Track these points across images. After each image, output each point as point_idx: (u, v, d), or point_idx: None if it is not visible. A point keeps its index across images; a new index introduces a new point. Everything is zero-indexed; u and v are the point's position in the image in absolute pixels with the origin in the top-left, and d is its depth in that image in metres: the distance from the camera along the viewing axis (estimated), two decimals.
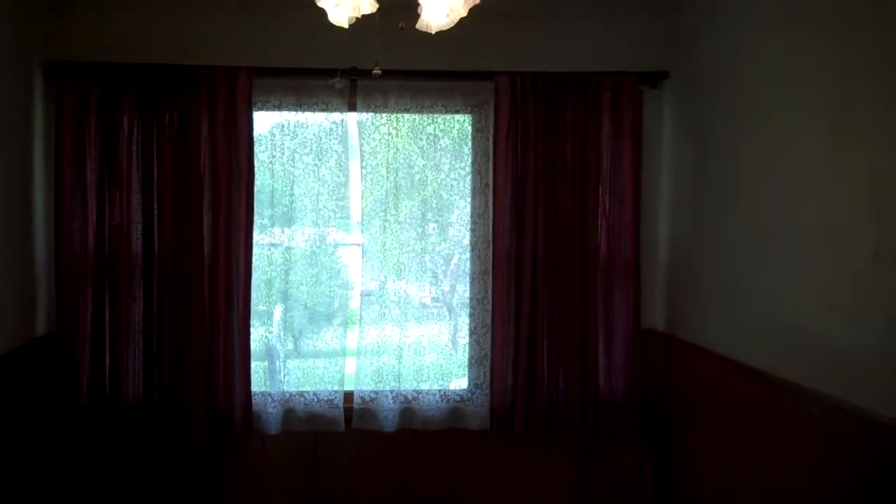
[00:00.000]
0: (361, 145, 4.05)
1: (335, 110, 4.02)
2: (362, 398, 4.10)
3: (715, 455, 3.58)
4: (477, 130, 4.16)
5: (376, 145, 4.06)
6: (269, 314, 4.09)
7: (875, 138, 2.49)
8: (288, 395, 4.08)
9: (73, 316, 3.78)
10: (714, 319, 3.64)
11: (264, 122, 4.03)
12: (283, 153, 4.02)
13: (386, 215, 4.06)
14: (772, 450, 3.04)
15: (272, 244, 4.05)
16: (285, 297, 4.07)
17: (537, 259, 4.03)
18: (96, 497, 3.99)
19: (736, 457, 3.35)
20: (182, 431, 3.88)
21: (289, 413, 4.06)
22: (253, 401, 3.97)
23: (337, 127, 4.04)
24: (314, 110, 4.02)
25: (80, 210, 3.79)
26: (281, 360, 4.10)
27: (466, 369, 4.21)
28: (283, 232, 4.04)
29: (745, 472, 3.26)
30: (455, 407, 4.17)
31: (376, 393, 4.10)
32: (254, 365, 3.97)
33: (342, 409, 4.08)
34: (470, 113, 4.17)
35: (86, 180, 3.79)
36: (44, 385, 3.81)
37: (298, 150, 4.03)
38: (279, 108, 4.01)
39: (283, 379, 4.09)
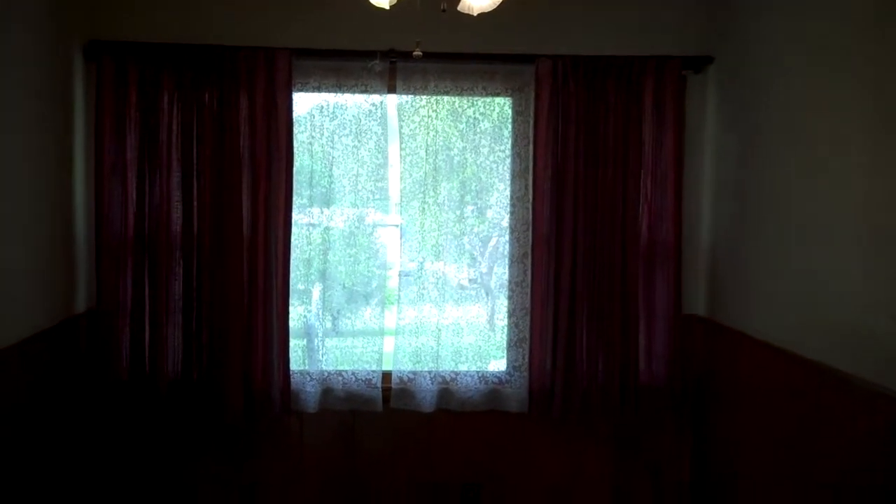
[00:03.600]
0: (401, 127, 4.04)
1: (374, 92, 4.01)
2: (400, 378, 4.12)
3: (755, 442, 3.55)
4: (517, 113, 4.12)
5: (415, 127, 4.05)
6: (308, 293, 4.11)
7: None
8: (326, 373, 4.10)
9: (113, 293, 3.82)
10: (758, 307, 3.59)
11: (304, 103, 4.03)
12: (322, 134, 4.02)
13: (425, 197, 4.05)
14: (814, 438, 3.01)
15: (311, 224, 4.06)
16: (324, 277, 4.08)
17: (577, 242, 4.00)
18: (135, 471, 4.06)
19: (777, 444, 3.32)
20: (220, 408, 3.92)
21: (327, 392, 4.09)
22: (291, 379, 4.00)
23: (376, 109, 4.03)
24: (353, 92, 4.02)
25: (119, 188, 3.82)
26: (319, 338, 4.12)
27: (505, 351, 4.20)
28: (321, 212, 4.05)
29: (786, 460, 3.23)
30: (493, 389, 4.17)
31: (414, 374, 4.11)
32: (292, 343, 4.00)
33: (380, 389, 4.09)
34: (510, 96, 4.14)
35: (125, 159, 3.82)
36: (84, 361, 3.87)
37: (338, 132, 4.03)
38: (318, 89, 4.01)
39: (321, 358, 4.11)
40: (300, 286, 4.08)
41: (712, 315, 4.10)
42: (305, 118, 4.02)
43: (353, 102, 4.04)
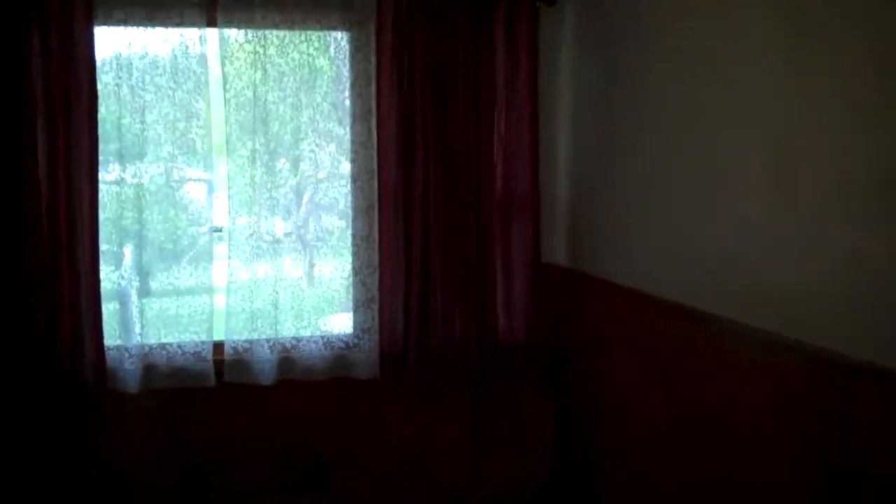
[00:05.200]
0: (223, 66, 3.59)
1: (192, 25, 3.54)
2: (234, 348, 3.69)
3: (630, 399, 3.27)
4: (356, 49, 3.72)
5: (241, 66, 3.62)
6: (119, 255, 3.62)
7: (841, 50, 2.06)
8: (147, 348, 3.63)
9: None
10: (628, 253, 3.31)
11: (109, 39, 3.52)
12: (131, 75, 3.51)
13: (254, 144, 3.62)
14: (702, 394, 2.70)
15: (121, 178, 3.55)
16: (137, 237, 3.60)
17: (428, 191, 3.67)
18: None
19: (656, 401, 3.02)
20: (24, 391, 3.44)
21: (149, 368, 3.62)
22: (107, 355, 3.53)
23: (195, 45, 3.57)
24: (167, 25, 3.53)
25: None
26: (136, 308, 3.64)
27: (351, 313, 3.83)
28: (133, 165, 3.55)
29: (668, 419, 2.93)
30: (340, 354, 3.79)
31: (250, 342, 3.69)
32: (105, 314, 3.51)
33: (211, 362, 3.66)
34: (348, 30, 3.73)
35: None
36: None
37: (149, 72, 3.54)
38: (125, 23, 3.50)
39: (140, 332, 3.63)
40: (108, 247, 3.58)
41: (576, 264, 3.82)
42: (111, 57, 3.51)
43: (168, 38, 3.56)
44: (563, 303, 3.89)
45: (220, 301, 3.70)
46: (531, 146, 3.73)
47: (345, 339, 3.83)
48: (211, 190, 3.73)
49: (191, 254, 3.73)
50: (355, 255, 3.79)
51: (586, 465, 3.72)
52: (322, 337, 3.80)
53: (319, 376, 3.77)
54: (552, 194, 3.89)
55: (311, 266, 3.91)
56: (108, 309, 3.58)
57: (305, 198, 3.85)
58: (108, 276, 3.59)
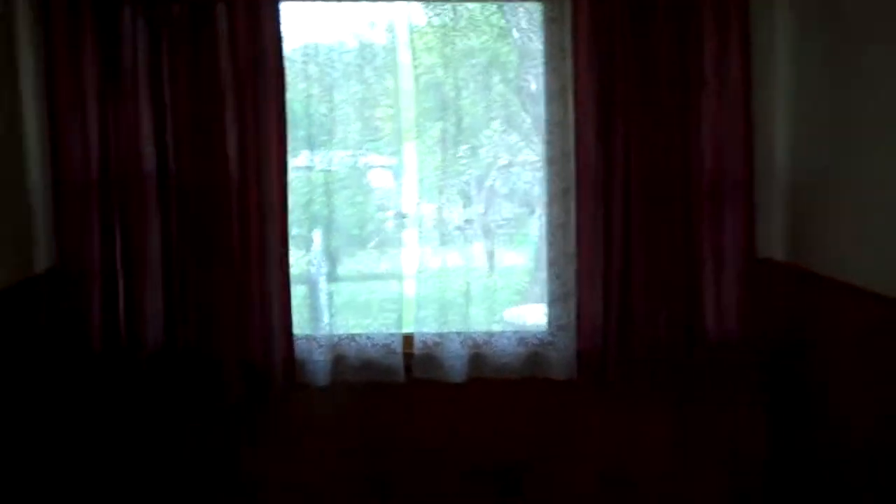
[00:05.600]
0: (412, 41, 3.42)
1: None
2: (424, 342, 3.51)
3: (858, 415, 2.88)
4: (550, 21, 3.45)
5: (429, 41, 3.44)
6: (308, 241, 3.54)
7: None
8: (337, 339, 3.50)
9: (78, 248, 3.26)
10: (856, 247, 2.91)
11: (294, 14, 3.41)
12: (317, 53, 3.41)
13: (445, 124, 3.44)
14: None
15: (310, 163, 3.47)
16: (325, 222, 3.50)
17: (630, 175, 3.36)
18: (114, 457, 3.53)
19: (889, 417, 2.63)
20: (213, 384, 3.36)
21: (339, 360, 3.50)
22: (296, 346, 3.42)
23: (380, 20, 3.44)
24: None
25: (79, 126, 3.24)
26: (325, 295, 3.54)
27: (541, 306, 3.59)
28: (321, 150, 3.46)
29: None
30: (534, 351, 3.54)
31: (440, 336, 3.50)
32: (293, 303, 3.42)
33: (401, 355, 3.50)
34: (540, 1, 3.49)
35: (84, 91, 3.23)
36: (47, 329, 3.29)
37: (336, 49, 3.42)
38: None
39: (328, 320, 3.52)
40: (297, 232, 3.49)
41: (794, 259, 3.42)
42: (297, 35, 3.41)
43: (354, 12, 3.45)
44: (781, 300, 3.49)
45: (408, 289, 3.56)
46: (744, 131, 3.36)
47: (539, 335, 3.57)
48: (396, 175, 3.58)
49: (377, 239, 3.59)
50: (550, 244, 3.52)
51: (803, 478, 3.35)
52: (515, 332, 3.57)
53: (512, 375, 3.54)
54: (767, 184, 3.51)
55: (495, 255, 3.69)
56: (296, 296, 3.47)
57: (493, 183, 3.64)
58: (296, 262, 3.50)
